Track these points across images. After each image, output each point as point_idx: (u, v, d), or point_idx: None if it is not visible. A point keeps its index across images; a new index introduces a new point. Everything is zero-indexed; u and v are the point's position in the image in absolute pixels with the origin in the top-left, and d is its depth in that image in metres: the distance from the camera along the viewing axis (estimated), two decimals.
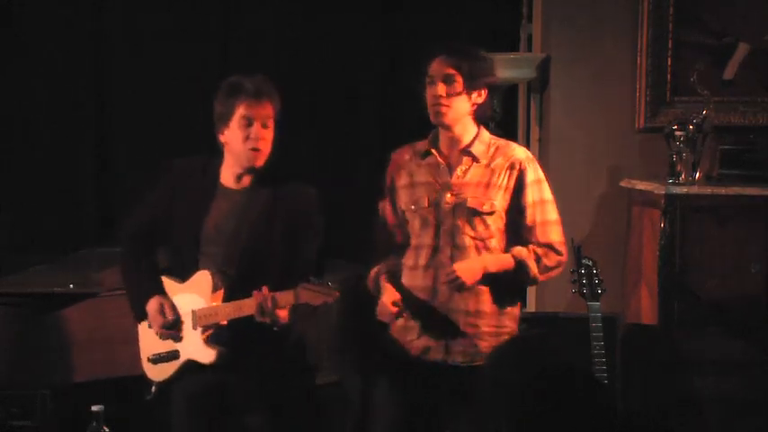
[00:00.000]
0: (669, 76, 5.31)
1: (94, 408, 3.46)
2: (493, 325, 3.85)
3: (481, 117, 3.90)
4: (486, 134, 3.92)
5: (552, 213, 3.91)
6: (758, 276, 4.96)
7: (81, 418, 3.58)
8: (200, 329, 3.92)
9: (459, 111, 3.84)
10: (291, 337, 4.01)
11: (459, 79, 3.81)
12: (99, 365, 4.62)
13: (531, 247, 3.84)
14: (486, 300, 3.85)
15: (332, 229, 5.95)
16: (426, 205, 3.88)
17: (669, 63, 5.31)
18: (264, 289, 3.80)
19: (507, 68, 5.34)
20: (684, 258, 4.96)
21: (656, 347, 4.99)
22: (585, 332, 4.48)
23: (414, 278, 3.89)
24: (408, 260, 3.91)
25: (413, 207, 3.91)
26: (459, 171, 3.87)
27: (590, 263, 4.58)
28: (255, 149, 3.89)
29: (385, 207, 4.00)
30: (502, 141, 3.94)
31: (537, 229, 3.86)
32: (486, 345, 3.83)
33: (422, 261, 3.88)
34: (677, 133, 5.06)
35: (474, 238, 3.82)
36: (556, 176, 5.37)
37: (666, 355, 4.96)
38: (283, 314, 3.84)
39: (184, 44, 5.88)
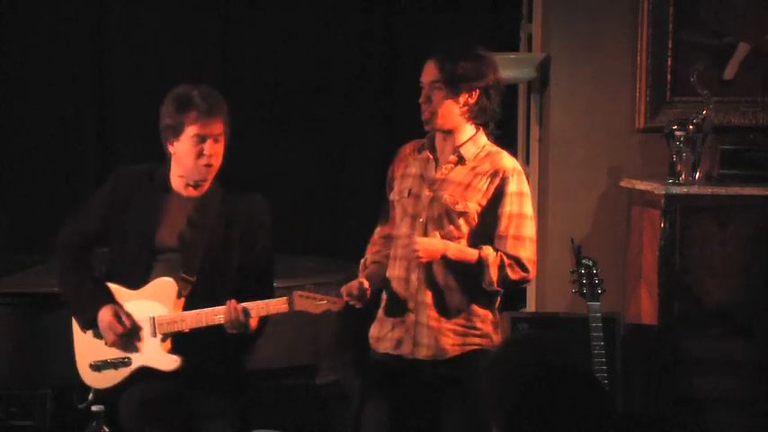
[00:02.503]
0: (669, 76, 5.31)
1: (94, 408, 3.46)
2: (458, 324, 3.84)
3: (476, 118, 3.86)
4: (482, 138, 3.90)
5: (527, 229, 3.83)
6: (758, 276, 4.96)
7: (81, 418, 3.58)
8: (159, 337, 3.89)
9: (447, 115, 3.82)
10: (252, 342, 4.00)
11: (444, 84, 3.79)
12: None
13: (500, 253, 3.80)
14: (452, 297, 3.83)
15: (333, 230, 5.99)
16: (407, 195, 3.90)
17: (669, 63, 5.30)
18: (233, 302, 3.80)
19: (507, 68, 5.33)
20: (684, 258, 4.96)
21: (656, 347, 4.99)
22: (585, 332, 4.48)
23: (392, 268, 3.91)
24: (392, 250, 3.94)
25: (398, 196, 3.94)
26: (444, 168, 3.87)
27: (590, 263, 4.58)
28: (209, 165, 3.88)
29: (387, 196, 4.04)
30: (495, 149, 3.90)
31: (508, 241, 3.80)
32: (449, 342, 3.83)
33: (398, 251, 3.90)
34: (677, 133, 5.06)
35: (443, 236, 3.82)
36: (556, 176, 5.39)
37: (666, 355, 4.96)
38: (254, 323, 3.84)
39: (184, 44, 5.89)
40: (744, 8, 5.31)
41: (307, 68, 5.96)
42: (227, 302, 3.81)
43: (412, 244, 3.76)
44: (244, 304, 3.81)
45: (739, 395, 4.95)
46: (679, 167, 5.05)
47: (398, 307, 3.88)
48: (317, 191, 5.99)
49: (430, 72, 3.83)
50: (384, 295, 3.94)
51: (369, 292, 3.85)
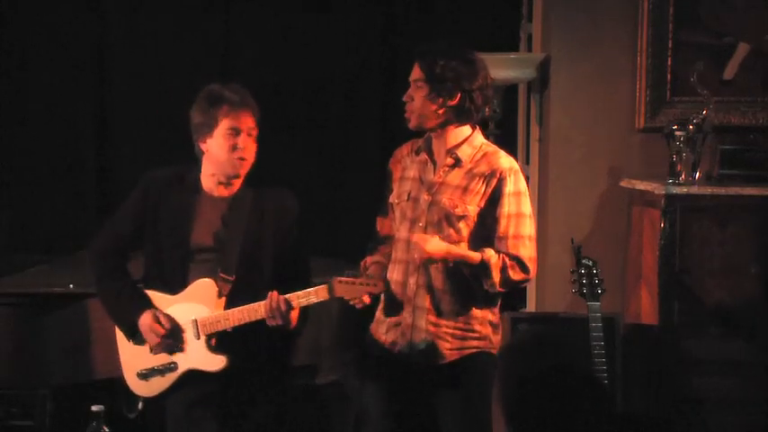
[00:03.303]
0: (669, 76, 5.31)
1: (94, 408, 3.46)
2: (457, 328, 3.83)
3: (459, 120, 3.82)
4: (478, 138, 3.88)
5: (526, 228, 3.81)
6: (758, 276, 4.96)
7: (81, 418, 3.58)
8: (203, 338, 3.91)
9: (425, 114, 3.80)
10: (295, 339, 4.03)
11: (425, 84, 3.78)
12: (99, 365, 4.61)
13: (501, 255, 3.78)
14: (451, 301, 3.82)
15: (333, 230, 5.98)
16: (406, 199, 3.89)
17: (669, 63, 5.31)
18: (274, 293, 3.82)
19: (507, 68, 5.35)
20: (684, 258, 4.96)
21: (656, 347, 4.99)
22: (585, 332, 4.48)
23: (391, 271, 3.91)
24: (392, 253, 3.93)
25: (397, 200, 3.94)
26: (441, 171, 3.86)
27: (590, 263, 4.58)
28: (242, 159, 3.90)
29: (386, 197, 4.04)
30: (492, 148, 3.88)
31: (508, 241, 3.78)
32: (447, 346, 3.82)
33: (398, 254, 3.90)
34: (677, 133, 5.06)
35: (443, 239, 3.80)
36: (556, 176, 5.39)
37: (666, 355, 4.96)
38: (295, 315, 3.86)
39: (185, 45, 5.89)
40: (744, 8, 5.31)
41: (307, 68, 5.95)
42: (269, 295, 3.82)
43: (417, 242, 3.74)
44: (285, 296, 3.82)
45: (739, 395, 4.95)
46: (679, 167, 5.05)
47: (396, 310, 3.88)
48: (317, 191, 5.98)
49: (415, 71, 3.83)
50: (382, 296, 3.94)
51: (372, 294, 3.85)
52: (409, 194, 3.89)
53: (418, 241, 3.74)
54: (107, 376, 4.57)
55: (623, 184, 5.27)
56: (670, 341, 4.96)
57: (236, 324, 3.87)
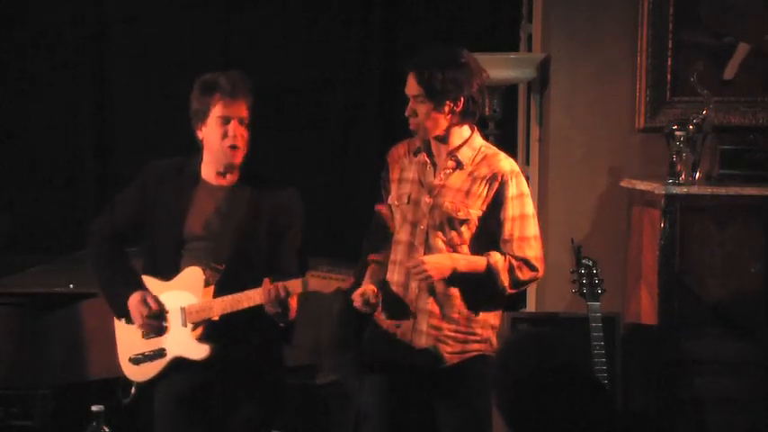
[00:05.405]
0: (669, 76, 5.31)
1: (94, 408, 3.47)
2: (458, 331, 3.83)
3: (466, 120, 3.83)
4: (478, 140, 3.88)
5: (531, 229, 3.82)
6: (758, 276, 4.96)
7: (81, 418, 3.59)
8: (190, 326, 3.91)
9: (434, 126, 3.80)
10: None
11: (426, 98, 3.77)
12: (99, 365, 4.62)
13: (507, 257, 3.79)
14: (453, 304, 3.82)
15: (333, 230, 5.99)
16: (407, 202, 3.88)
17: (669, 63, 5.30)
18: (268, 281, 3.81)
19: (507, 68, 5.34)
20: (684, 258, 4.96)
21: (656, 347, 4.99)
22: (585, 332, 4.48)
23: (391, 273, 3.90)
24: (391, 255, 3.92)
25: (396, 202, 3.93)
26: (442, 174, 3.85)
27: (590, 263, 4.59)
28: (234, 147, 3.92)
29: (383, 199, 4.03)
30: (491, 150, 3.88)
31: (514, 244, 3.79)
32: (449, 349, 3.82)
33: (398, 256, 3.89)
34: (677, 133, 5.06)
35: (445, 243, 3.80)
36: (556, 176, 5.39)
37: (666, 355, 4.96)
38: (294, 304, 3.86)
39: (185, 43, 5.89)
40: (744, 8, 5.31)
41: (307, 68, 5.96)
42: (265, 281, 3.81)
43: (420, 265, 3.74)
44: (284, 282, 3.82)
45: (739, 395, 4.95)
46: (679, 167, 5.05)
47: (396, 312, 3.87)
48: (317, 191, 5.98)
49: (412, 86, 3.80)
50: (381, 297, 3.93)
51: (379, 298, 3.85)
52: (409, 197, 3.88)
53: (424, 264, 3.72)
54: (107, 376, 4.57)
55: (623, 184, 5.26)
56: (670, 341, 4.96)
57: (222, 313, 3.87)
